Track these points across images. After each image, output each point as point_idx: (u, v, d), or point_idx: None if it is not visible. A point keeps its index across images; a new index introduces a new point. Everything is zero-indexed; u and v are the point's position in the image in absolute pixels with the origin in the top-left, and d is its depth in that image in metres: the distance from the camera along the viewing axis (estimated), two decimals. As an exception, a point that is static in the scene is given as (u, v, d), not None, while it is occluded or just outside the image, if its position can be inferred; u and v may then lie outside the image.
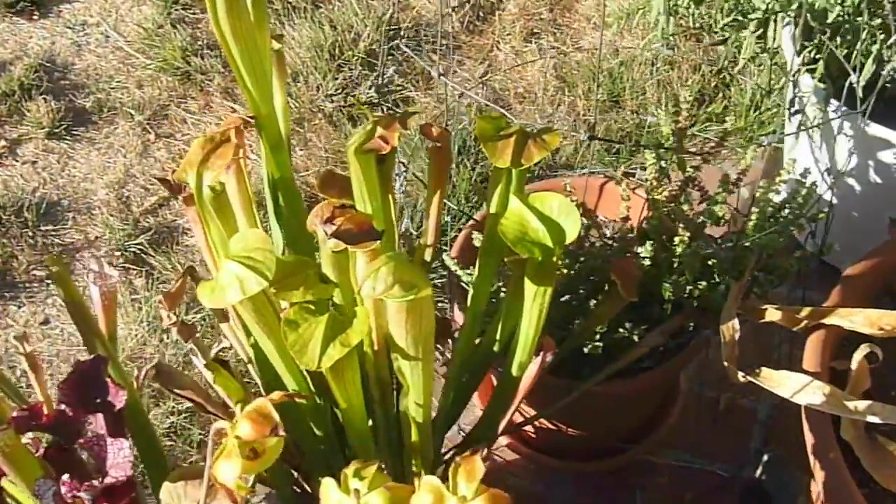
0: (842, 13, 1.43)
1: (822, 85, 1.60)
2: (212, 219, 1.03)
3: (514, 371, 1.15)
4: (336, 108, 2.48)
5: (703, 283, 1.41)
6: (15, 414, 1.01)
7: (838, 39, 1.55)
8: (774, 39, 1.58)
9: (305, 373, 1.11)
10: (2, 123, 2.48)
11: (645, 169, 2.25)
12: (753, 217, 1.39)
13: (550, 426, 1.67)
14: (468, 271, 1.51)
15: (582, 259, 1.44)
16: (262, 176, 2.07)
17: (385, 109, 2.38)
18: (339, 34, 2.60)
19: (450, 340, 1.34)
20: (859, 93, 1.43)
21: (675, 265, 1.44)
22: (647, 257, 1.39)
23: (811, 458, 1.13)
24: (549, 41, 2.64)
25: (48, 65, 2.64)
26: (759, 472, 1.68)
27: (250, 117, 1.16)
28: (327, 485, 0.84)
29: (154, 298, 2.08)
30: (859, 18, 1.45)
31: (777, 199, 1.47)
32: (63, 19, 2.79)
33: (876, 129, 1.55)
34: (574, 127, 2.37)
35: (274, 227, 1.33)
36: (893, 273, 1.35)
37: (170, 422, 1.86)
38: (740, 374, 1.17)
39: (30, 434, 1.05)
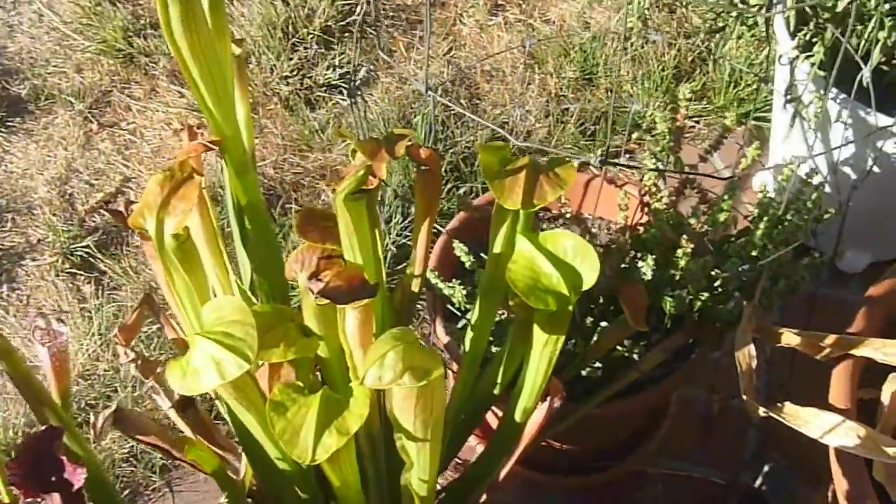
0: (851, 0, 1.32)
1: (821, 73, 1.50)
2: (176, 269, 0.89)
3: (518, 416, 1.04)
4: (292, 91, 2.33)
5: (706, 294, 1.31)
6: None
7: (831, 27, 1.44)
8: (768, 27, 1.47)
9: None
10: (-72, 116, 2.29)
11: (626, 154, 2.15)
12: (761, 226, 1.29)
13: (538, 440, 1.57)
14: (450, 284, 1.39)
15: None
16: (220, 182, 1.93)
17: (345, 93, 2.24)
18: (292, 10, 2.43)
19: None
20: (867, 81, 1.33)
21: (677, 278, 1.34)
22: (647, 272, 1.28)
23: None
24: (515, 14, 2.50)
25: (-23, 49, 2.44)
26: (758, 481, 1.60)
27: (212, 142, 1.02)
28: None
29: (105, 308, 1.93)
30: (869, 4, 1.34)
31: (779, 197, 1.37)
32: (-9, -3, 2.59)
33: (881, 119, 1.45)
34: (546, 108, 2.25)
35: (241, 253, 1.19)
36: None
37: (129, 446, 1.73)
38: (761, 409, 1.08)
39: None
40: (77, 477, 0.91)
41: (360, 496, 0.89)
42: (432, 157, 1.01)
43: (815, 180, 1.36)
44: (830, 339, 1.12)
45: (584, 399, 1.31)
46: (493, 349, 1.26)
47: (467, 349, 1.04)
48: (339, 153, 2.23)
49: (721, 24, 1.84)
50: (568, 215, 1.29)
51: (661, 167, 1.37)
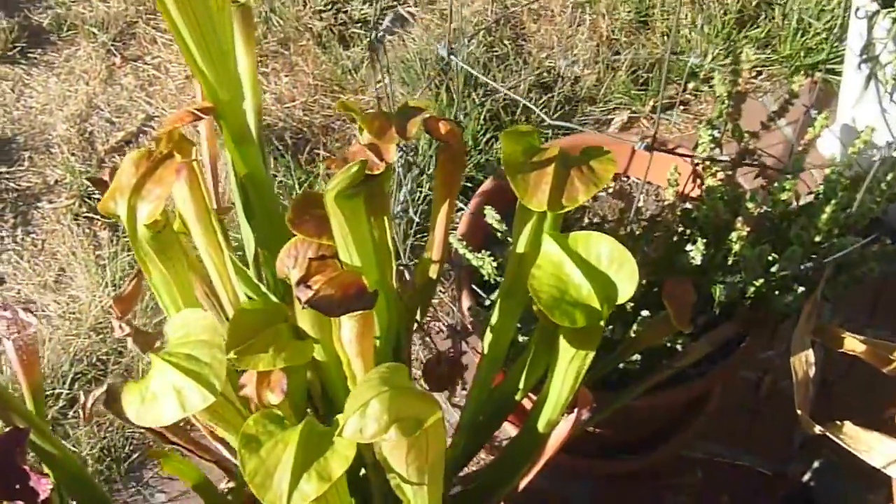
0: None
1: (905, 31, 1.33)
2: (152, 262, 0.78)
3: (541, 426, 0.92)
4: (326, 26, 2.19)
5: (762, 281, 1.18)
6: None
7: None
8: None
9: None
10: (-54, 45, 2.20)
11: (680, 105, 1.99)
12: (827, 209, 1.14)
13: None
14: (479, 255, 1.27)
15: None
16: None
17: (377, 35, 2.09)
18: (328, -62, 2.28)
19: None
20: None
21: (729, 262, 1.20)
22: (697, 257, 1.14)
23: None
24: (568, -54, 2.32)
25: (-2, -26, 2.33)
26: (806, 476, 1.48)
27: (203, 109, 0.90)
28: None
29: (120, 257, 1.84)
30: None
31: (847, 171, 1.22)
32: (15, -82, 2.46)
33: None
34: (597, 52, 2.08)
35: (244, 227, 1.08)
36: None
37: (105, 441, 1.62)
38: (817, 427, 0.95)
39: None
40: (43, 486, 0.82)
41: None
42: (453, 132, 0.88)
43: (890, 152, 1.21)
44: (903, 350, 0.98)
45: (620, 391, 1.19)
46: (521, 337, 1.14)
47: (485, 350, 0.92)
48: (372, 95, 2.10)
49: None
50: (610, 189, 1.15)
51: (716, 136, 1.22)
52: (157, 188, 0.76)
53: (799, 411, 0.99)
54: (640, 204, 1.51)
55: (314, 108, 2.09)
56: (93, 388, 1.62)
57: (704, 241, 1.13)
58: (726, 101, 1.23)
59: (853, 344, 1.01)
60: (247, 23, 1.05)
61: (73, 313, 1.77)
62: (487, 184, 1.44)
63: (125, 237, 1.89)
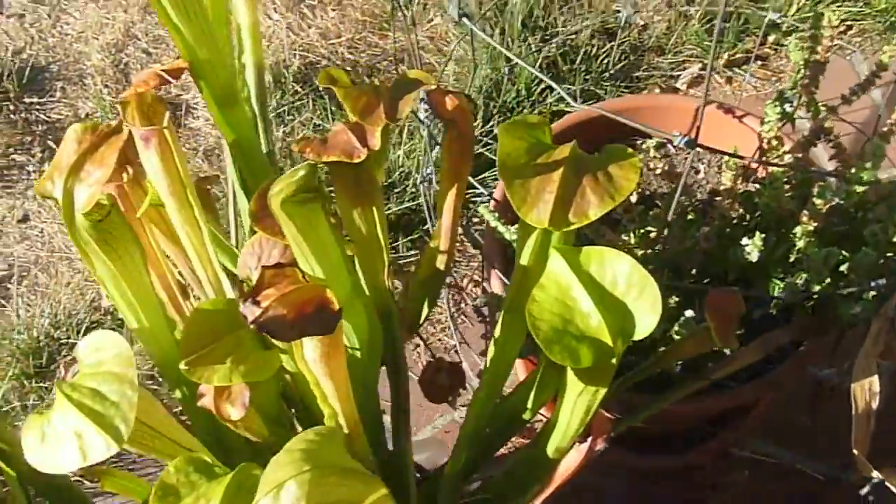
0: None
1: None
2: (93, 253, 0.67)
3: (550, 452, 0.80)
4: (378, -44, 2.04)
5: (826, 283, 1.02)
6: None
7: None
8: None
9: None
10: (-17, -36, 2.10)
11: (756, 60, 1.80)
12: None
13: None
14: (512, 228, 1.14)
15: (660, 246, 1.05)
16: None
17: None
18: None
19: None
20: None
21: (791, 260, 1.05)
22: (753, 253, 0.99)
23: None
24: None
25: None
26: (865, 489, 1.33)
27: (171, 71, 0.78)
28: None
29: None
30: None
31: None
32: None
33: None
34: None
35: (242, 200, 0.97)
36: None
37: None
38: (875, 473, 0.81)
39: None
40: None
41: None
42: (462, 109, 0.74)
43: None
44: None
45: (655, 395, 1.06)
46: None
47: (487, 364, 0.80)
48: (423, 35, 1.95)
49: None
50: (658, 170, 1.00)
51: (787, 111, 1.06)
52: (98, 170, 0.65)
53: (855, 451, 0.84)
54: (701, 175, 1.35)
55: (360, 45, 1.96)
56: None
57: (763, 235, 0.98)
58: (802, 70, 1.06)
59: (929, 373, 0.86)
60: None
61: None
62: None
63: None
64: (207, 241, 0.86)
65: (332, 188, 0.72)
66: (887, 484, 0.81)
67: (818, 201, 0.93)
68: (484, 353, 1.52)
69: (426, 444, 1.40)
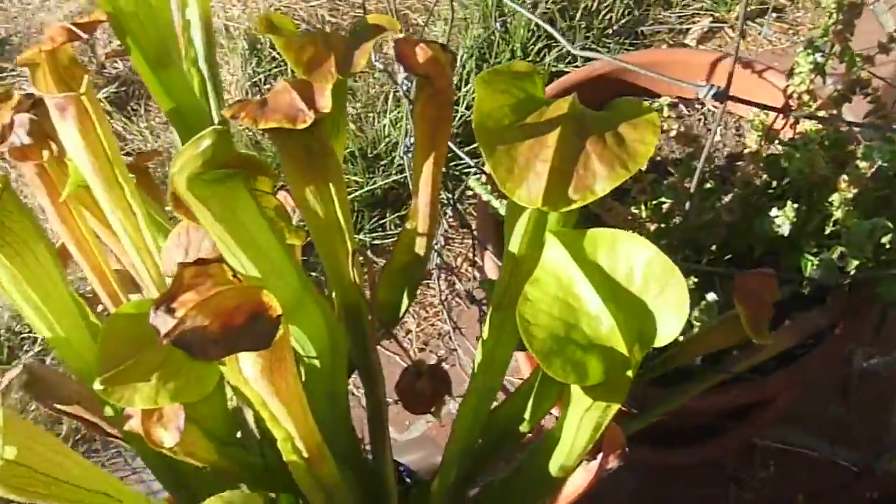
0: None
1: None
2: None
3: (553, 470, 0.67)
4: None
5: (868, 258, 0.89)
6: None
7: None
8: None
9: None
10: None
11: (773, 13, 1.65)
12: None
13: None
14: (506, 203, 1.00)
15: (679, 217, 0.92)
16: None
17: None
18: None
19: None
20: None
21: (827, 232, 0.91)
22: (784, 225, 0.86)
23: None
24: None
25: None
26: (905, 480, 1.21)
27: (85, 25, 0.64)
28: None
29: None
30: None
31: None
32: None
33: None
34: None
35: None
36: None
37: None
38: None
39: None
40: None
41: None
42: (436, 62, 0.61)
43: None
44: None
45: (672, 389, 0.93)
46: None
47: (475, 370, 0.66)
48: (412, -4, 1.81)
49: None
50: (673, 132, 0.87)
51: (819, 61, 0.92)
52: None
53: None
54: (717, 139, 1.21)
55: (342, 6, 1.81)
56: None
57: (795, 205, 0.84)
58: (834, 15, 0.92)
59: None
60: None
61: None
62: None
63: (124, 154, 1.66)
64: (144, 228, 0.73)
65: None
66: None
67: (862, 164, 0.80)
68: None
69: (419, 443, 1.27)
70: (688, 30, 1.66)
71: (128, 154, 1.67)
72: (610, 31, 1.64)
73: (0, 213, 0.56)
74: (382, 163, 1.50)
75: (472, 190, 1.08)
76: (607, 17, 1.65)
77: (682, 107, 1.21)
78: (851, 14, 0.90)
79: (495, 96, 0.46)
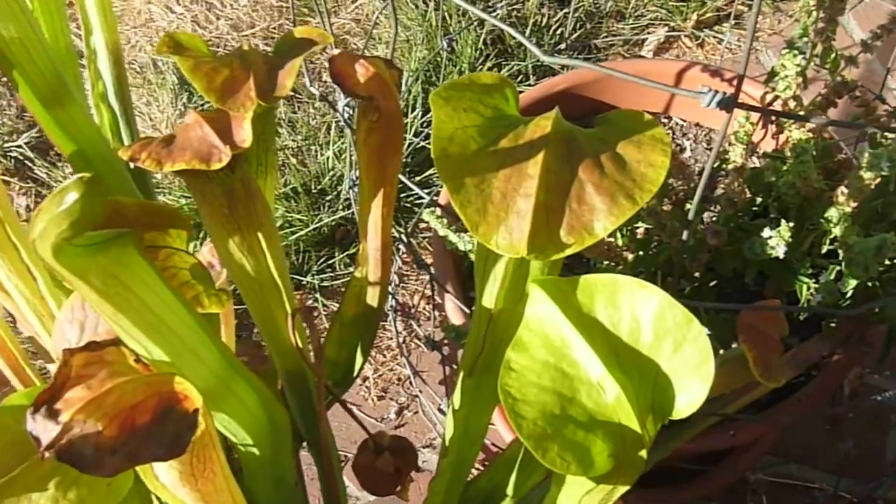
0: None
1: None
2: None
3: (543, 552, 0.56)
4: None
5: (874, 282, 0.80)
6: None
7: None
8: None
9: None
10: None
11: (732, 19, 1.58)
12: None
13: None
14: (466, 238, 0.91)
15: (657, 243, 0.83)
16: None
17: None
18: None
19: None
20: None
21: (823, 251, 0.83)
22: (778, 247, 0.77)
23: None
24: None
25: None
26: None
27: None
28: None
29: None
30: None
31: None
32: None
33: None
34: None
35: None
36: None
37: None
38: None
39: None
40: None
41: None
42: (379, 81, 0.51)
43: None
44: None
45: (661, 436, 0.83)
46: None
47: (447, 443, 0.56)
48: (348, 17, 1.71)
49: None
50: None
51: (802, 64, 0.83)
52: None
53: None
54: (688, 154, 1.13)
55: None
56: None
57: (791, 224, 0.75)
58: (815, 13, 0.84)
59: None
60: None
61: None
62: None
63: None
64: (46, 293, 0.62)
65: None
66: None
67: (867, 175, 0.71)
68: (446, 381, 1.29)
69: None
70: (643, 41, 1.58)
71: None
72: (563, 45, 1.56)
73: None
74: (328, 198, 1.40)
75: (425, 222, 0.98)
76: (558, 31, 1.57)
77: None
78: (834, 10, 0.82)
79: (458, 116, 0.36)
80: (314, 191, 1.40)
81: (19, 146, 1.58)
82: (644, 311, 0.39)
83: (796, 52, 0.79)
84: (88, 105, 0.71)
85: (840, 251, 0.79)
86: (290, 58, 0.46)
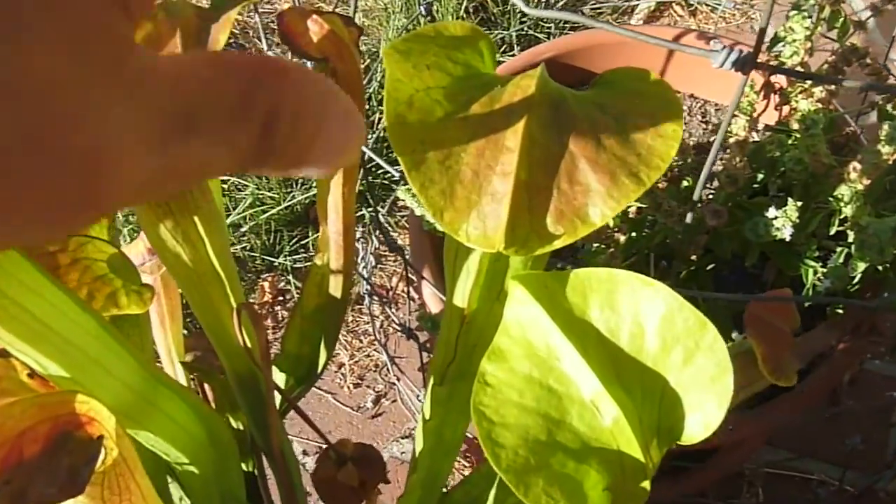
0: None
1: None
2: None
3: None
4: None
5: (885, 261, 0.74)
6: None
7: None
8: None
9: None
10: None
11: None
12: None
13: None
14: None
15: (649, 229, 0.76)
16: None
17: None
18: None
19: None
20: None
21: (832, 231, 0.76)
22: (785, 229, 0.70)
23: None
24: None
25: None
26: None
27: None
28: None
29: None
30: None
31: None
32: None
33: None
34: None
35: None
36: None
37: None
38: None
39: None
40: None
41: None
42: (335, 38, 0.43)
43: None
44: None
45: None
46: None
47: (417, 455, 0.49)
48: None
49: None
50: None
51: (810, 27, 0.76)
52: None
53: None
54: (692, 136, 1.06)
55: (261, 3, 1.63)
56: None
57: (799, 203, 0.69)
58: (821, -28, 0.77)
59: None
60: None
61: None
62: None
63: None
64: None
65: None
66: None
67: (886, 149, 0.64)
68: (424, 368, 1.22)
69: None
70: (633, 8, 1.50)
71: None
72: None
73: None
74: (301, 176, 1.32)
75: (402, 200, 0.91)
76: (544, -1, 1.49)
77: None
78: (844, -31, 0.75)
79: (419, 75, 0.29)
80: (286, 167, 1.32)
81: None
82: (648, 314, 0.32)
83: (805, 13, 0.72)
84: None
85: (850, 232, 0.73)
86: (226, 9, 0.39)
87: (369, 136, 1.32)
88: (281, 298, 1.28)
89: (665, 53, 1.02)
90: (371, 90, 1.37)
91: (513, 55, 1.43)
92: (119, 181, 0.16)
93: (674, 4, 1.50)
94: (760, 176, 0.83)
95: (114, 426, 0.32)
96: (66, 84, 0.15)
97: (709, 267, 0.85)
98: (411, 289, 1.17)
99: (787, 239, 0.71)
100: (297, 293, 1.26)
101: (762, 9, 1.51)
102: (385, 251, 1.28)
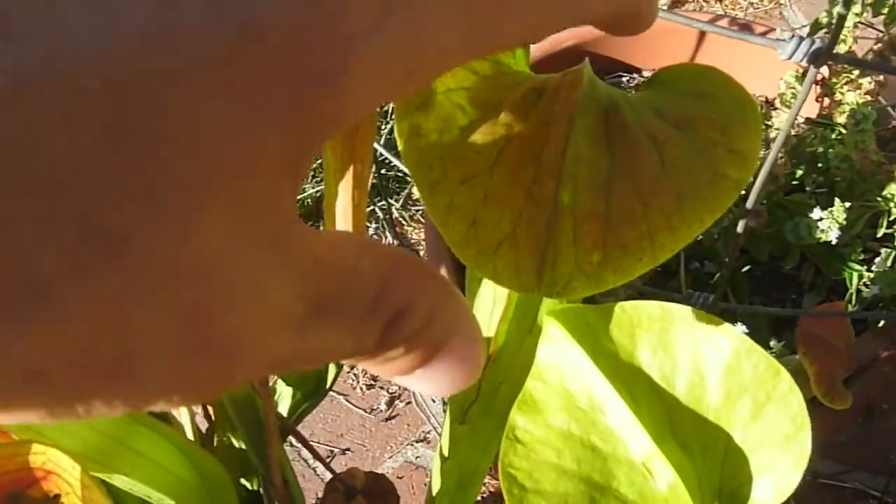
0: None
1: None
2: None
3: None
4: None
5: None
6: None
7: None
8: None
9: None
10: None
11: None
12: None
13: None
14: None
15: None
16: None
17: None
18: None
19: None
20: None
21: (879, 234, 0.71)
22: (831, 231, 0.65)
23: None
24: None
25: None
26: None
27: None
28: None
29: None
30: None
31: None
32: None
33: None
34: None
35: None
36: None
37: None
38: None
39: None
40: None
41: None
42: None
43: None
44: None
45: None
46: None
47: (433, 495, 0.44)
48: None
49: None
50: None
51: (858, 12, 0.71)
52: None
53: None
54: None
55: None
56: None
57: (847, 204, 0.63)
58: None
59: None
60: None
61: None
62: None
63: None
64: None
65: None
66: None
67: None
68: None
69: None
70: (657, -7, 1.44)
71: None
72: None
73: None
74: (312, 166, 1.27)
75: (418, 195, 0.86)
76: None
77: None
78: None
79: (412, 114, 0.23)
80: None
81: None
82: (710, 358, 0.27)
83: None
84: None
85: (901, 235, 0.67)
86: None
87: (382, 128, 1.27)
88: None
89: (693, 43, 0.96)
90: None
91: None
92: (257, 363, 0.15)
93: (698, -13, 1.44)
94: (799, 172, 0.77)
95: (78, 476, 0.27)
96: (234, 263, 0.14)
97: (744, 269, 0.79)
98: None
99: (834, 242, 0.65)
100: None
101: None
102: (399, 244, 1.23)
